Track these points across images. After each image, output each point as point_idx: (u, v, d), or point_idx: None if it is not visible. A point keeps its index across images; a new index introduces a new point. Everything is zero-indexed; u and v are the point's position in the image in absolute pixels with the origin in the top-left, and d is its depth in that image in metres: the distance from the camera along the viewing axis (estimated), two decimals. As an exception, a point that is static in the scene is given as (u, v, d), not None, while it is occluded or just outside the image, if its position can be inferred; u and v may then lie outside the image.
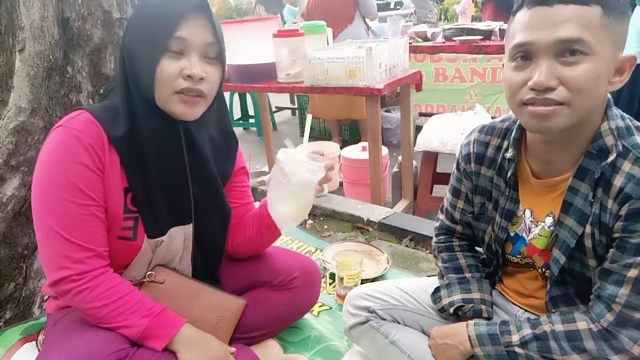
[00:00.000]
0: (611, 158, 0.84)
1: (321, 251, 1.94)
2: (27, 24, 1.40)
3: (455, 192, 1.15)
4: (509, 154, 0.98)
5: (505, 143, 1.01)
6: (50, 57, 1.43)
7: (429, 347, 1.08)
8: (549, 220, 0.96)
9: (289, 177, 1.03)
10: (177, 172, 1.07)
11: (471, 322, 1.02)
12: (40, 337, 1.35)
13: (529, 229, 1.00)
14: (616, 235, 0.84)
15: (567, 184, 0.90)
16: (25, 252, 1.47)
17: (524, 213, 1.00)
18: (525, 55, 0.82)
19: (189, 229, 1.13)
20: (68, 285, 0.96)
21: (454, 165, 1.14)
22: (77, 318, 1.03)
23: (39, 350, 1.30)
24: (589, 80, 0.79)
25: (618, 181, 0.83)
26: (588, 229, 0.88)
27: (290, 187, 1.04)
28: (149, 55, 0.94)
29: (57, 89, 1.48)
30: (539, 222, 0.98)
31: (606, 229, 0.86)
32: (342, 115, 3.92)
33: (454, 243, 1.20)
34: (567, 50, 0.78)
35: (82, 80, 1.55)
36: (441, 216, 1.23)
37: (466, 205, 1.14)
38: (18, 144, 1.40)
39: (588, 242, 0.89)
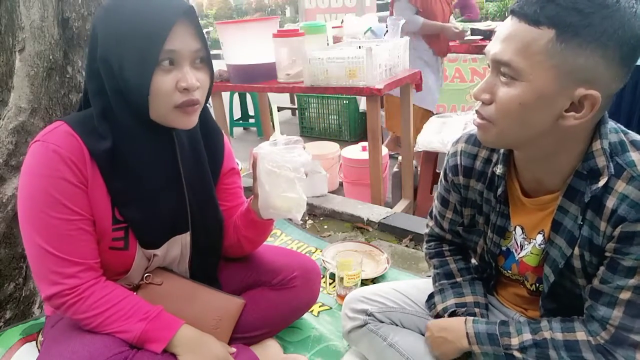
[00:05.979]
0: (602, 182, 0.79)
1: (321, 251, 1.94)
2: (27, 24, 1.40)
3: (444, 202, 1.12)
4: (499, 171, 0.94)
5: (495, 156, 0.97)
6: (50, 57, 1.43)
7: (426, 339, 1.08)
8: (540, 238, 0.94)
9: (286, 166, 1.03)
10: (172, 183, 1.05)
11: (470, 318, 1.00)
12: (40, 337, 1.35)
13: (521, 246, 0.98)
14: (608, 254, 0.81)
15: (557, 203, 0.87)
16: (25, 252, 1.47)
17: (514, 230, 0.98)
18: (489, 64, 0.81)
19: (186, 237, 1.12)
20: (61, 299, 0.96)
21: (442, 173, 1.10)
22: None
23: (38, 350, 1.30)
24: (508, 106, 0.76)
25: (610, 202, 0.78)
26: (577, 251, 0.86)
27: (291, 174, 1.03)
28: (139, 70, 0.89)
29: (57, 89, 1.48)
30: (531, 240, 0.96)
31: (598, 249, 0.83)
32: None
33: (444, 249, 1.19)
34: (499, 69, 0.77)
35: (82, 81, 1.55)
36: (430, 222, 1.21)
37: (455, 216, 1.11)
38: (18, 144, 1.40)
39: (577, 264, 0.87)
